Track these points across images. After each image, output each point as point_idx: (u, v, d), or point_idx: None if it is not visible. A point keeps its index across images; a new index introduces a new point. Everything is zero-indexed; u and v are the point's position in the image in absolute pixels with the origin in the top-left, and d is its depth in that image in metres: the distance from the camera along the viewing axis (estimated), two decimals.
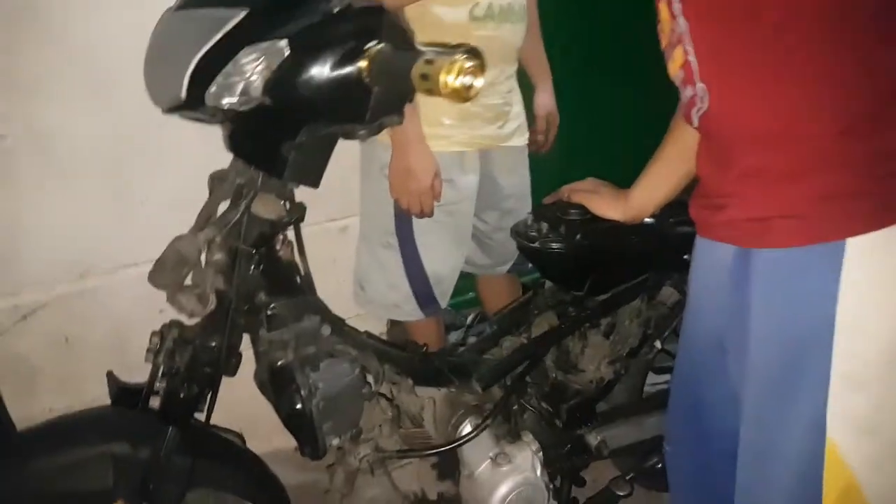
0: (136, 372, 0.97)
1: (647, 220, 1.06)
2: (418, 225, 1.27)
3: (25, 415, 1.21)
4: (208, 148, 0.90)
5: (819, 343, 0.62)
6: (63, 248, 1.22)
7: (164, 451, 0.79)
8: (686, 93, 0.70)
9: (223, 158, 0.81)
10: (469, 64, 0.55)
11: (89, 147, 1.18)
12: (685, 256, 1.12)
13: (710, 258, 0.76)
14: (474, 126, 1.26)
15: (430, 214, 1.22)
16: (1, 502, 0.79)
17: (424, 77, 0.56)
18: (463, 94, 0.55)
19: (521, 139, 1.40)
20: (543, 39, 1.49)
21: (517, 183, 1.43)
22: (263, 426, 1.08)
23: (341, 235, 1.49)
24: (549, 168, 1.56)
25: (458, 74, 0.54)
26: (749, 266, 0.67)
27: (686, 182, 0.94)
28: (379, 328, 1.60)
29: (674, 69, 0.71)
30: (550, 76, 1.51)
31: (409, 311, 1.35)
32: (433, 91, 0.56)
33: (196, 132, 0.79)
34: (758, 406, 0.69)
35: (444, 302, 1.37)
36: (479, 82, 0.56)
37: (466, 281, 1.51)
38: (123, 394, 0.94)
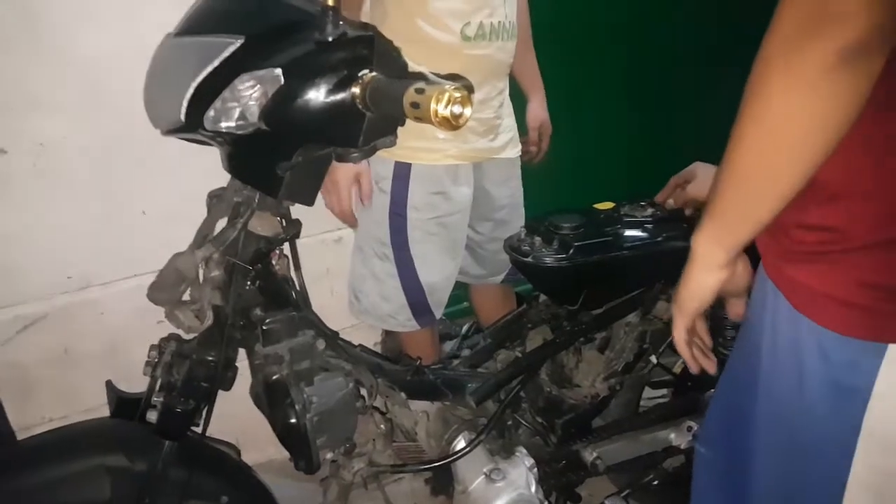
0: (134, 382, 0.98)
1: (640, 234, 1.07)
2: (412, 236, 1.28)
3: (23, 423, 1.23)
4: (206, 163, 0.91)
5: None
6: (64, 260, 1.24)
7: (161, 464, 0.80)
8: None
9: (221, 173, 0.82)
10: (458, 94, 0.56)
11: (89, 161, 1.20)
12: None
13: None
14: (467, 140, 1.28)
15: (351, 217, 1.20)
16: None
17: (415, 105, 0.57)
18: (452, 123, 0.57)
19: (514, 151, 1.41)
20: (537, 52, 1.51)
21: (510, 194, 1.45)
22: (259, 437, 1.08)
23: (336, 246, 1.50)
24: (542, 179, 1.58)
25: (447, 104, 0.56)
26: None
27: None
28: (374, 339, 1.61)
29: None
30: (543, 88, 1.53)
31: (404, 322, 1.36)
32: (423, 119, 0.58)
33: (194, 147, 0.81)
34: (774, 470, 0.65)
35: (438, 312, 1.38)
36: (467, 111, 0.57)
37: (461, 290, 1.52)
38: (122, 403, 0.96)
